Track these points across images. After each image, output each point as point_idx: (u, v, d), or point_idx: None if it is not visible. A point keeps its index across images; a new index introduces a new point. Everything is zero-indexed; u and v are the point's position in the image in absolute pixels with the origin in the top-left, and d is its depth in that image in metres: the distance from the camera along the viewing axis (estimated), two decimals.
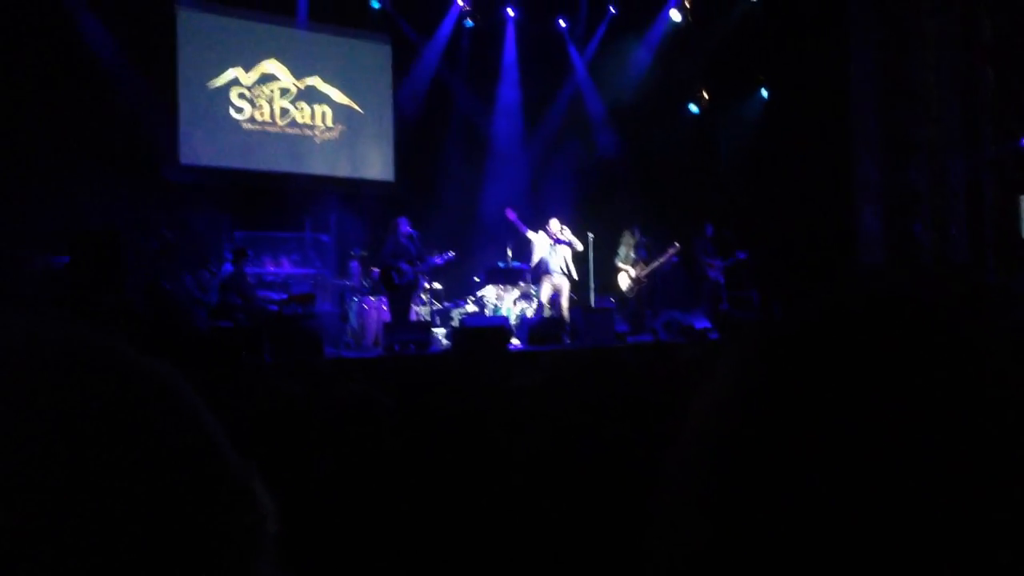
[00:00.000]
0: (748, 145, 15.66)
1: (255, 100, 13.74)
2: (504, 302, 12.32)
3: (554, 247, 11.51)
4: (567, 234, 11.54)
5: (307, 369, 7.31)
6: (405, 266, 10.57)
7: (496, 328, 10.07)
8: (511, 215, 11.51)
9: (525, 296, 12.50)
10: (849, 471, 0.45)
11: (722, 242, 13.12)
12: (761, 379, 0.50)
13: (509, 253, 12.68)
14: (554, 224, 11.58)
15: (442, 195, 14.53)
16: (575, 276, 11.67)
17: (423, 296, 11.88)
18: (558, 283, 11.49)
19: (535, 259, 11.49)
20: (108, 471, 0.48)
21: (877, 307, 0.50)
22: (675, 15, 15.52)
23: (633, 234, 12.55)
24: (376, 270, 11.29)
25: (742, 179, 15.40)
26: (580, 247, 11.63)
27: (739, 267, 13.20)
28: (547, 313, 11.40)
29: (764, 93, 15.95)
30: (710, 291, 12.75)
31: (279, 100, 13.97)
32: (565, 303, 11.47)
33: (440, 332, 11.71)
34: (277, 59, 13.94)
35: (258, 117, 13.76)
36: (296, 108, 14.12)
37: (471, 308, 12.63)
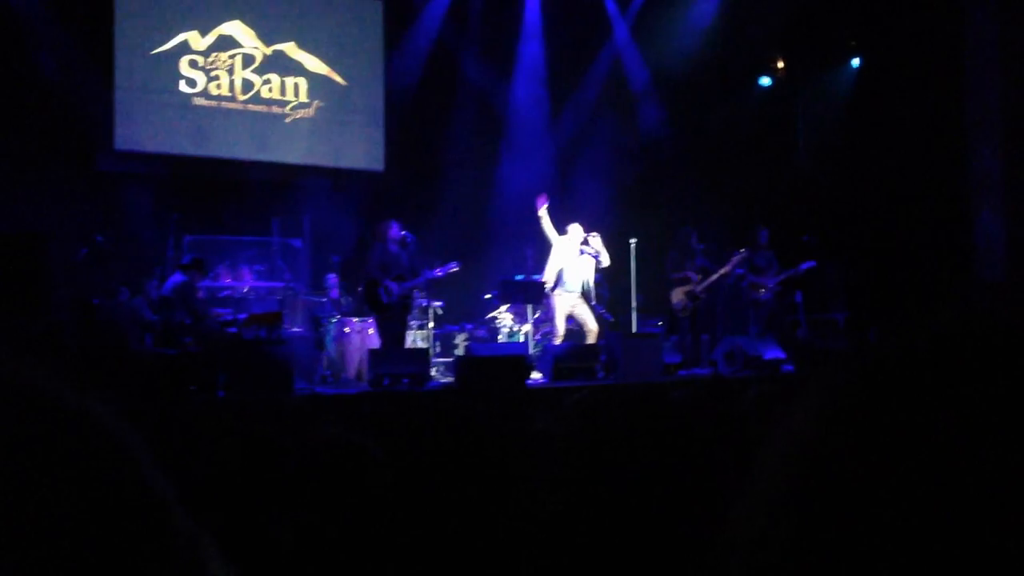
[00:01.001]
0: (834, 128, 15.63)
1: (210, 70, 13.87)
2: (523, 326, 12.32)
3: (578, 259, 11.49)
4: (597, 243, 11.49)
5: (273, 408, 7.33)
6: (394, 286, 10.59)
7: (512, 359, 10.06)
8: (542, 204, 11.29)
9: (548, 316, 12.48)
10: (958, 532, 0.45)
11: (802, 251, 13.03)
12: (850, 422, 0.50)
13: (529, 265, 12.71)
14: (575, 231, 11.53)
15: (444, 190, 14.57)
16: (593, 298, 11.63)
17: (419, 317, 11.89)
18: (575, 303, 11.44)
19: (552, 268, 11.44)
20: (26, 539, 0.48)
21: (999, 334, 0.50)
22: None
23: (687, 238, 12.51)
24: (360, 285, 11.32)
25: (826, 170, 15.36)
26: (607, 262, 11.57)
27: (820, 278, 13.10)
28: (558, 339, 11.36)
29: (855, 62, 15.93)
30: (762, 316, 12.63)
31: (241, 70, 14.09)
32: (592, 325, 11.45)
33: (440, 363, 11.70)
34: (240, 19, 14.08)
35: (214, 91, 13.88)
36: (262, 80, 14.23)
37: (481, 333, 12.61)
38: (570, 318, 11.58)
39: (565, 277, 11.43)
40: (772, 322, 12.70)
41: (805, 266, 12.53)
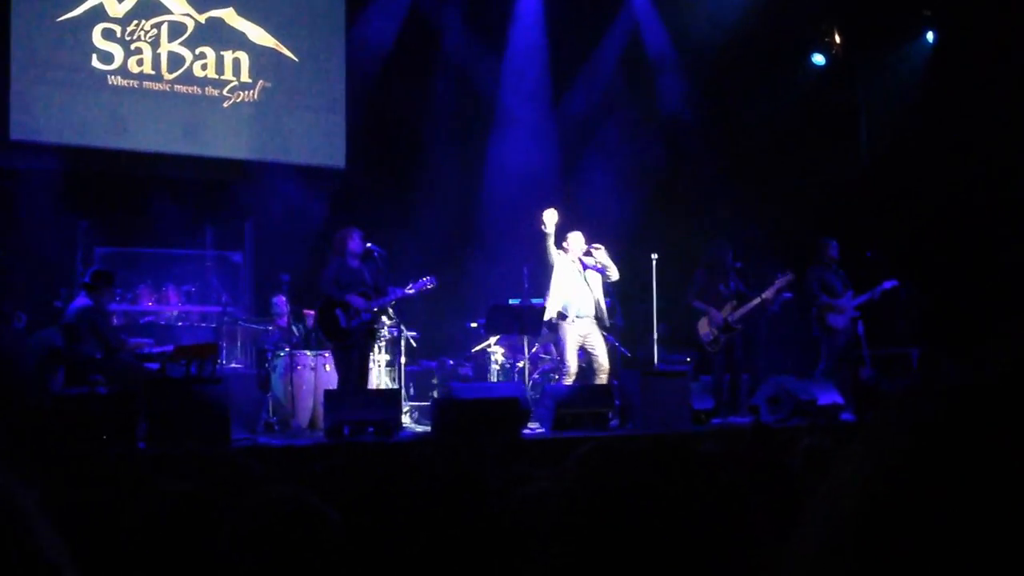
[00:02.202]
0: (903, 116, 15.66)
1: (130, 42, 13.89)
2: (517, 361, 12.29)
3: (583, 276, 11.42)
4: (601, 256, 11.39)
5: (205, 463, 7.31)
6: (358, 301, 10.57)
7: (504, 402, 10.03)
8: (549, 221, 11.16)
9: (548, 350, 12.45)
10: None
11: (865, 269, 13.03)
12: (915, 475, 0.50)
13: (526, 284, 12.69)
14: (576, 241, 11.41)
15: (420, 191, 14.57)
16: (607, 322, 11.56)
17: (388, 351, 11.86)
18: (587, 333, 11.36)
19: (553, 295, 11.31)
20: None
21: None
22: None
23: (721, 253, 12.50)
24: (313, 310, 11.30)
25: (894, 170, 15.38)
26: (615, 276, 11.49)
27: (889, 305, 13.09)
28: (569, 379, 11.30)
29: (930, 37, 15.98)
30: (837, 347, 12.62)
31: (167, 42, 14.11)
32: (604, 361, 11.39)
33: (414, 407, 11.67)
34: None
35: (134, 68, 13.89)
36: (194, 54, 14.25)
37: (465, 370, 12.58)
38: (580, 351, 11.49)
39: (573, 301, 11.32)
40: (843, 353, 12.63)
41: (886, 286, 12.51)
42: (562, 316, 11.34)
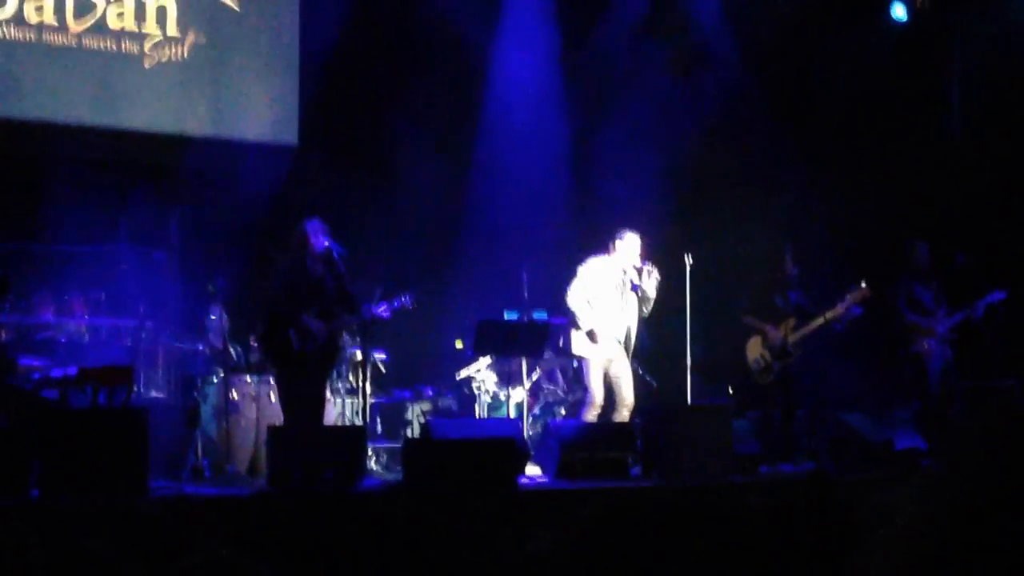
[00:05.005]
0: (1008, 82, 15.67)
1: None
2: (513, 391, 12.30)
3: (624, 293, 11.43)
4: (650, 285, 11.33)
5: (116, 516, 7.31)
6: (316, 325, 10.52)
7: (496, 444, 10.05)
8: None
9: (553, 378, 12.44)
10: None
11: (957, 279, 13.00)
12: (987, 519, 0.51)
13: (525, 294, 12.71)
14: (631, 247, 11.35)
15: (392, 175, 14.56)
16: (630, 353, 11.54)
17: (349, 377, 11.85)
18: (614, 359, 11.35)
19: (582, 312, 11.30)
20: None
21: None
22: None
23: (783, 255, 12.46)
24: (259, 324, 11.29)
25: (994, 147, 15.38)
26: (647, 311, 11.48)
27: (987, 324, 13.05)
28: (593, 411, 11.31)
29: None
30: (927, 378, 12.59)
31: None
32: (629, 395, 11.40)
33: (383, 449, 11.67)
34: None
35: (32, 16, 13.88)
36: (108, 1, 14.24)
37: (447, 403, 12.59)
38: (606, 383, 11.49)
39: (603, 315, 11.33)
40: (945, 387, 12.56)
41: (992, 298, 12.45)
42: (585, 336, 11.35)
